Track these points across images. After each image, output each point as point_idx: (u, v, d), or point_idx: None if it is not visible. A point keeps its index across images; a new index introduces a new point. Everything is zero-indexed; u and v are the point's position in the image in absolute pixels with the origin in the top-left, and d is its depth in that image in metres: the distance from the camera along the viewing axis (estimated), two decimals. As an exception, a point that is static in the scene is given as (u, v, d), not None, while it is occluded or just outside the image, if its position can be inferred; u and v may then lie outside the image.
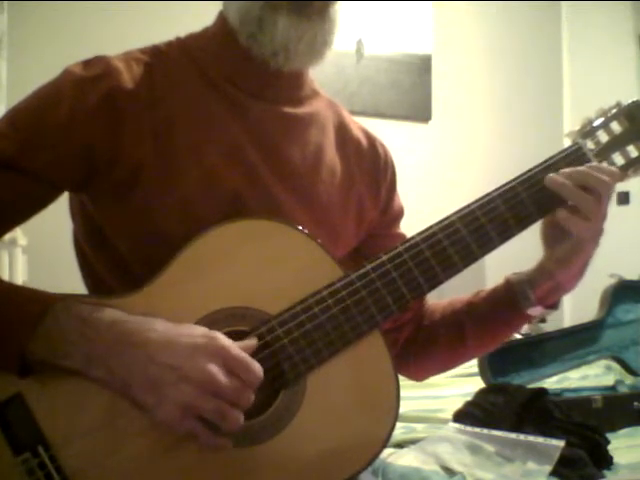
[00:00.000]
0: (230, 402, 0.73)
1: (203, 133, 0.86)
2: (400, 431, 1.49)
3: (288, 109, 0.92)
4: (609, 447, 1.44)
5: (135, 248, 0.85)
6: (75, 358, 0.74)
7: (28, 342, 0.74)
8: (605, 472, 1.35)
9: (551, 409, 1.50)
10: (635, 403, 1.73)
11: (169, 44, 0.92)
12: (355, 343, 0.82)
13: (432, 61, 3.43)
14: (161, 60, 0.89)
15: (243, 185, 0.86)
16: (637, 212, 3.29)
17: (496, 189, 0.87)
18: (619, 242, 2.31)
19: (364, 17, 3.18)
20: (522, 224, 0.87)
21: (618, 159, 0.90)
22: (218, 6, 0.92)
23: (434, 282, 0.85)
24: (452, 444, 1.37)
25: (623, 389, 1.89)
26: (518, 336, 2.25)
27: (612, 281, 2.26)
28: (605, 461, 1.39)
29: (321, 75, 0.95)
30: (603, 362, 2.04)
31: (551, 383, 1.89)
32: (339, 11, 0.87)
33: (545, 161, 0.88)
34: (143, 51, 0.90)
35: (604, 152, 0.89)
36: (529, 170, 0.88)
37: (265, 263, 0.82)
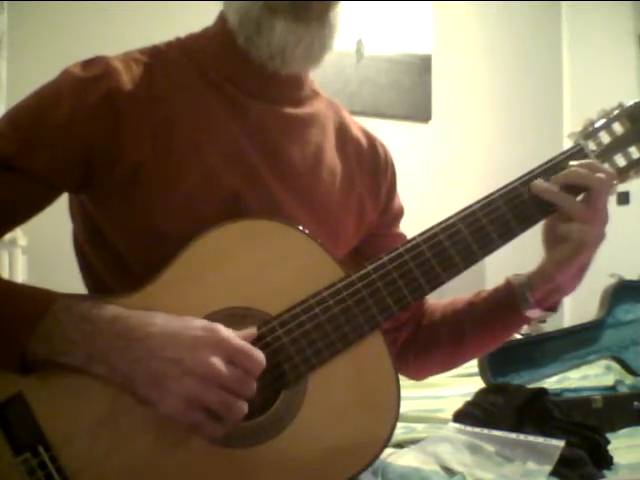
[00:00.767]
0: (233, 392, 0.73)
1: (203, 133, 0.86)
2: (400, 431, 1.49)
3: (288, 109, 0.92)
4: (609, 447, 1.44)
5: (135, 248, 0.85)
6: (76, 355, 0.74)
7: (29, 341, 0.74)
8: (605, 472, 1.35)
9: (551, 409, 1.50)
10: (635, 403, 1.73)
11: (169, 44, 0.92)
12: (356, 343, 0.82)
13: (432, 61, 3.43)
14: (161, 60, 0.89)
15: (243, 185, 0.86)
16: (637, 212, 3.29)
17: (497, 190, 0.87)
18: (619, 242, 2.31)
19: (364, 17, 3.18)
20: (523, 225, 0.86)
21: (620, 160, 0.89)
22: (218, 6, 0.92)
23: (435, 283, 0.85)
24: (452, 444, 1.37)
25: (623, 389, 1.90)
26: (518, 336, 2.25)
27: (612, 281, 2.26)
28: (605, 461, 1.39)
29: (321, 75, 0.95)
30: (603, 362, 2.04)
31: (551, 383, 1.89)
32: (339, 15, 0.87)
33: (547, 162, 0.88)
34: (142, 51, 0.89)
35: (606, 153, 0.89)
36: (531, 171, 0.88)
37: (266, 263, 0.82)
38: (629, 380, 1.96)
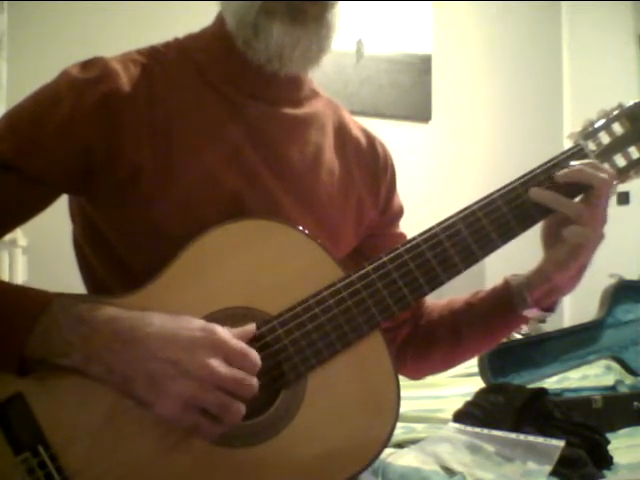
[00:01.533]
0: (231, 393, 0.73)
1: (202, 134, 0.86)
2: (400, 431, 1.49)
3: (287, 110, 0.92)
4: (609, 447, 1.44)
5: (135, 249, 0.85)
6: (74, 356, 0.74)
7: (26, 341, 0.74)
8: (605, 472, 1.35)
9: (551, 409, 1.50)
10: (635, 403, 1.72)
11: (167, 45, 0.92)
12: (356, 343, 0.82)
13: (432, 61, 3.43)
14: (159, 61, 0.89)
15: (243, 186, 0.86)
16: (637, 212, 3.29)
17: (497, 190, 0.87)
18: (619, 242, 2.31)
19: (364, 17, 3.18)
20: (523, 225, 0.87)
21: (620, 160, 0.89)
22: (217, 6, 0.92)
23: (435, 283, 0.85)
24: (452, 444, 1.37)
25: (623, 389, 1.89)
26: (518, 336, 2.25)
27: (612, 281, 2.26)
28: (605, 461, 1.39)
29: (321, 75, 0.95)
30: (603, 362, 2.04)
31: (551, 383, 1.89)
32: (337, 15, 0.87)
33: (547, 162, 0.88)
34: (141, 52, 0.89)
35: (605, 153, 0.89)
36: (531, 171, 0.88)
37: (266, 263, 0.82)
38: (629, 380, 1.96)
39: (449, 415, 1.58)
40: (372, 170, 1.00)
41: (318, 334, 0.80)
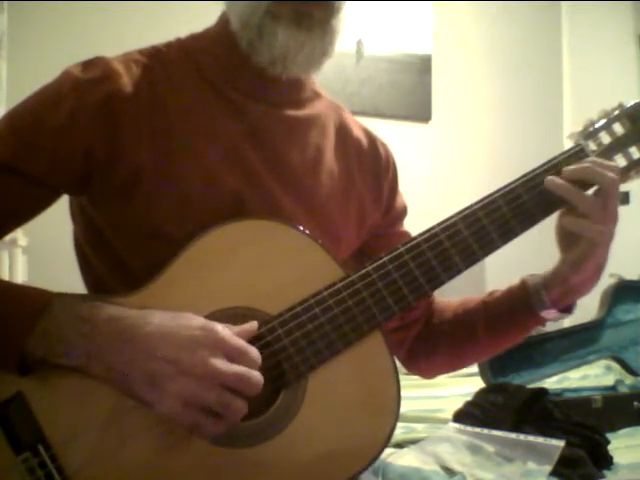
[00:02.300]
0: (232, 391, 0.73)
1: (203, 135, 0.86)
2: (400, 431, 1.49)
3: (288, 111, 0.92)
4: (609, 447, 1.44)
5: (135, 249, 0.85)
6: (74, 356, 0.74)
7: (27, 341, 0.74)
8: (605, 472, 1.35)
9: (551, 409, 1.50)
10: (635, 403, 1.72)
11: (169, 45, 0.91)
12: (356, 343, 0.82)
13: (432, 61, 3.43)
14: (160, 61, 0.88)
15: (243, 186, 0.86)
16: (637, 212, 3.29)
17: (498, 190, 0.87)
18: (619, 242, 2.30)
19: (364, 17, 3.18)
20: (524, 225, 0.87)
21: (620, 160, 0.90)
22: (219, 6, 0.92)
23: (435, 283, 0.85)
24: (452, 444, 1.37)
25: (623, 389, 1.89)
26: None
27: (612, 281, 2.25)
28: (605, 461, 1.39)
29: (321, 75, 0.95)
30: (603, 362, 2.04)
31: (551, 383, 1.89)
32: (342, 21, 0.86)
33: (547, 162, 0.88)
34: (142, 52, 0.89)
35: (606, 153, 0.89)
36: (531, 171, 0.88)
37: (266, 263, 0.82)
38: (629, 380, 1.96)
39: (449, 415, 1.58)
40: (374, 170, 1.00)
41: (318, 334, 0.80)
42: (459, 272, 0.85)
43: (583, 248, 0.85)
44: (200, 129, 0.86)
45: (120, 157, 0.83)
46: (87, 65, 0.85)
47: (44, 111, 0.83)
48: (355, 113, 1.06)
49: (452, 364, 1.05)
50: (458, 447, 1.36)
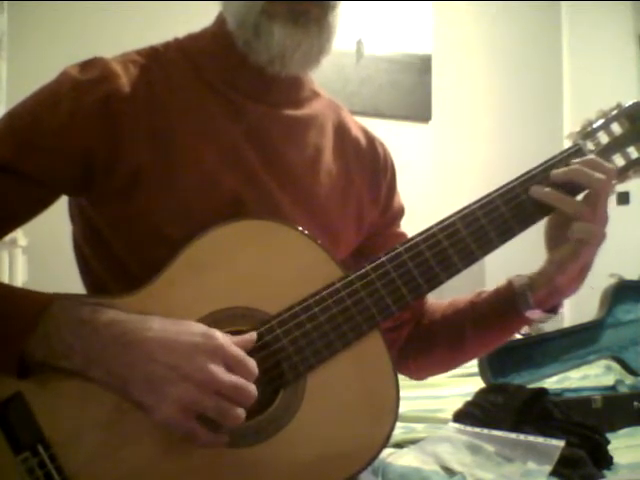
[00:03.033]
0: (230, 399, 0.73)
1: (201, 135, 0.86)
2: (400, 431, 1.49)
3: (287, 111, 0.92)
4: (609, 447, 1.44)
5: (134, 250, 0.85)
6: (74, 359, 0.74)
7: (27, 344, 0.74)
8: (605, 472, 1.35)
9: (551, 409, 1.50)
10: (635, 403, 1.72)
11: (167, 45, 0.91)
12: (355, 343, 0.82)
13: (432, 61, 3.43)
14: (159, 62, 0.88)
15: (242, 187, 0.86)
16: (637, 212, 3.29)
17: (496, 190, 0.87)
18: (619, 242, 2.30)
19: (364, 17, 3.18)
20: (522, 225, 0.87)
21: (618, 160, 0.90)
22: (217, 5, 0.92)
23: (434, 282, 0.85)
24: (452, 444, 1.37)
25: (623, 389, 1.89)
26: (518, 336, 2.25)
27: (612, 281, 2.25)
28: (605, 461, 1.39)
29: (321, 75, 0.95)
30: (603, 362, 2.03)
31: (551, 383, 1.89)
32: (338, 17, 0.87)
33: (545, 162, 0.88)
34: (140, 53, 0.89)
35: (604, 153, 0.89)
36: (529, 171, 0.88)
37: (265, 263, 0.82)
38: (629, 380, 1.96)
39: (449, 415, 1.58)
40: (372, 170, 1.00)
41: (317, 333, 0.80)
42: (458, 272, 0.85)
43: (572, 247, 0.85)
44: (199, 129, 0.86)
45: (119, 157, 0.83)
46: (85, 66, 0.85)
47: (43, 111, 0.83)
48: (355, 113, 1.06)
49: (442, 365, 1.05)
50: (458, 447, 1.36)
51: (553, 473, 1.26)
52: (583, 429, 1.44)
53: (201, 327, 0.76)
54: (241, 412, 0.73)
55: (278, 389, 0.80)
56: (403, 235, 1.02)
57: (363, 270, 0.83)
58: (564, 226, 0.86)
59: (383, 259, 0.84)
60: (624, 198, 3.30)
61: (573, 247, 0.85)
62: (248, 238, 0.82)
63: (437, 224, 0.86)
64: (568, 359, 2.04)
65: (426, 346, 1.02)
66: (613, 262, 2.34)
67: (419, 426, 1.59)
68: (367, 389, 0.83)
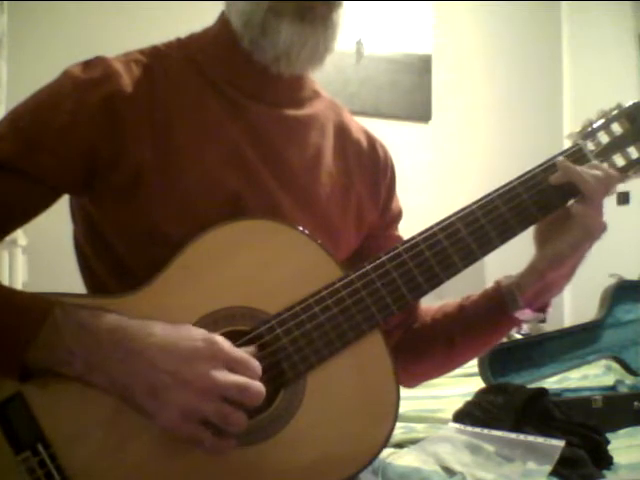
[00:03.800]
0: (237, 402, 0.73)
1: (202, 135, 0.86)
2: (400, 431, 1.49)
3: (288, 111, 0.92)
4: (609, 447, 1.44)
5: (135, 249, 0.85)
6: (75, 365, 0.74)
7: (28, 350, 0.74)
8: (605, 472, 1.35)
9: (551, 409, 1.50)
10: (635, 403, 1.72)
11: (169, 45, 0.92)
12: (355, 343, 0.82)
13: (432, 61, 3.43)
14: (161, 61, 0.89)
15: (243, 186, 0.86)
16: (637, 212, 3.29)
17: (496, 189, 0.87)
18: (619, 242, 2.31)
19: (364, 17, 3.18)
20: (522, 225, 0.87)
21: (619, 160, 0.90)
22: (219, 5, 0.92)
23: (434, 282, 0.85)
24: (452, 444, 1.37)
25: (623, 389, 1.89)
26: (518, 336, 2.25)
27: (612, 281, 2.25)
28: (605, 461, 1.39)
29: (321, 75, 0.95)
30: (603, 362, 2.03)
31: (551, 383, 1.89)
32: (342, 15, 0.87)
33: (545, 162, 0.89)
34: (142, 52, 0.89)
35: (604, 153, 0.89)
36: (529, 171, 0.88)
37: (265, 263, 0.82)
38: (629, 380, 1.96)
39: (449, 415, 1.58)
40: (372, 172, 1.00)
41: (317, 333, 0.80)
42: (458, 271, 0.85)
43: (568, 243, 0.85)
44: (200, 129, 0.86)
45: (121, 157, 0.83)
46: (87, 65, 0.85)
47: (45, 111, 0.83)
48: (355, 113, 1.06)
49: (433, 370, 1.04)
50: (458, 447, 1.36)
51: (553, 473, 1.26)
52: (583, 429, 1.44)
53: (202, 332, 0.76)
54: (243, 416, 0.73)
55: (278, 389, 0.80)
56: (399, 238, 1.02)
57: (363, 270, 0.83)
58: (556, 222, 0.86)
59: (383, 259, 0.84)
60: (624, 198, 3.30)
61: (572, 242, 0.85)
62: (248, 238, 0.82)
63: (437, 224, 0.86)
64: (568, 359, 2.03)
65: (417, 351, 1.01)
66: (613, 262, 2.34)
67: (419, 426, 1.59)
68: (367, 389, 0.83)
